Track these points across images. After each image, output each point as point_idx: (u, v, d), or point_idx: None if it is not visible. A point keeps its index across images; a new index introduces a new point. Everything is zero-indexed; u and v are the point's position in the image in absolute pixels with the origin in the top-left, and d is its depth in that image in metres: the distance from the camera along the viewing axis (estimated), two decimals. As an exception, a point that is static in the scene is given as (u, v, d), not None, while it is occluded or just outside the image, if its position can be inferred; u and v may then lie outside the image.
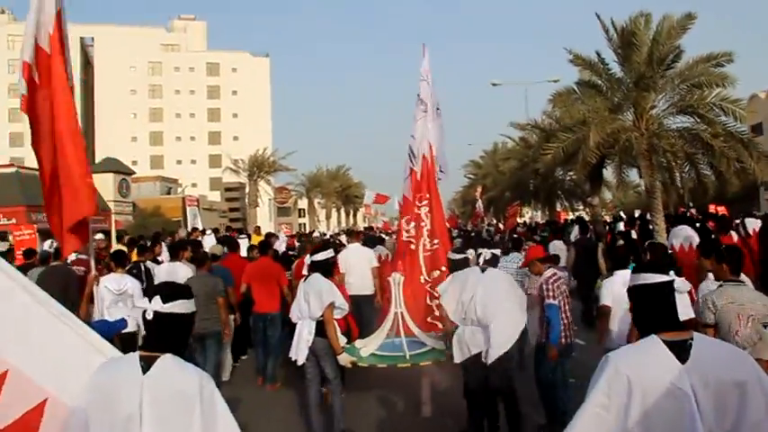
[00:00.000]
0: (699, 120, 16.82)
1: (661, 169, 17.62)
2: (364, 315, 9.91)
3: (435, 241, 8.60)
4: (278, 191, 65.74)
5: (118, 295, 8.32)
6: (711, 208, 22.24)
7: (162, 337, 2.94)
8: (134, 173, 48.15)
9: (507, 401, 6.45)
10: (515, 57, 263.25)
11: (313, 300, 6.64)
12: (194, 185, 76.28)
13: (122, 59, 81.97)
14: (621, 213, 28.38)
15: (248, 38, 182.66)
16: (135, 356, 2.90)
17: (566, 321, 6.83)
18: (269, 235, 14.60)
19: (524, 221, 35.89)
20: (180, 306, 2.99)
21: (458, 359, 6.39)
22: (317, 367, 6.83)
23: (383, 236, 22.03)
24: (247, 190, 48.14)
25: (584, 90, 18.77)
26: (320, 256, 6.94)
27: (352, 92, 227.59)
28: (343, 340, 6.86)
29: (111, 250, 12.72)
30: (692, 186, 18.69)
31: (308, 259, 7.53)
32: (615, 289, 6.34)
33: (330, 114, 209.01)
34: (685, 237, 10.60)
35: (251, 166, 46.22)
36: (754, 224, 11.94)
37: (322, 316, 6.62)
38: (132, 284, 8.51)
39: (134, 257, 11.01)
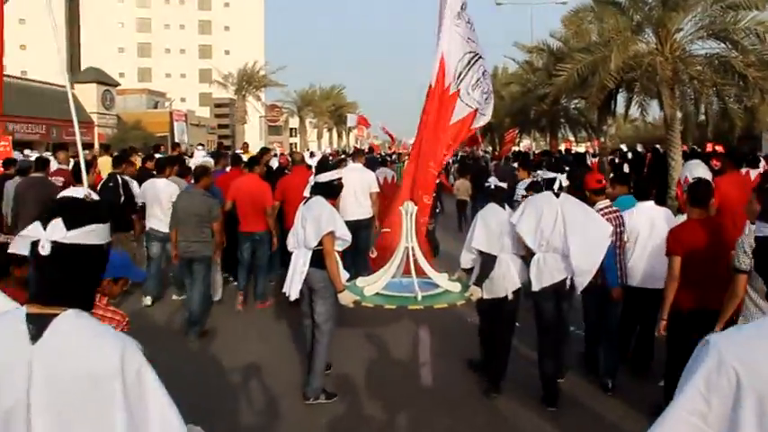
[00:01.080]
0: (731, 46, 15.14)
1: (684, 99, 16.07)
2: (360, 241, 9.32)
3: (430, 164, 7.65)
4: (269, 108, 63.86)
5: None
6: (709, 147, 20.92)
7: (62, 283, 1.86)
8: (119, 84, 46.39)
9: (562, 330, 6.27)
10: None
11: (310, 226, 5.90)
12: (183, 100, 74.68)
13: (110, -35, 78.82)
14: (623, 147, 26.86)
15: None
16: (19, 314, 1.85)
17: (616, 258, 6.21)
18: (264, 150, 13.56)
19: (518, 150, 34.20)
20: (90, 234, 1.90)
21: (537, 287, 5.87)
22: (311, 301, 6.07)
23: (387, 157, 20.60)
24: (236, 105, 46.18)
25: (603, 8, 16.94)
26: (324, 177, 6.23)
27: (351, 9, 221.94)
28: (345, 276, 6.05)
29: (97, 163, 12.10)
30: (716, 120, 17.08)
31: (311, 180, 6.71)
32: (635, 222, 6.29)
33: (326, 32, 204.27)
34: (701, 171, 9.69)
35: (239, 80, 44.10)
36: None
37: (320, 245, 5.83)
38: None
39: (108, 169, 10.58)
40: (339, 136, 73.32)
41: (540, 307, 6.02)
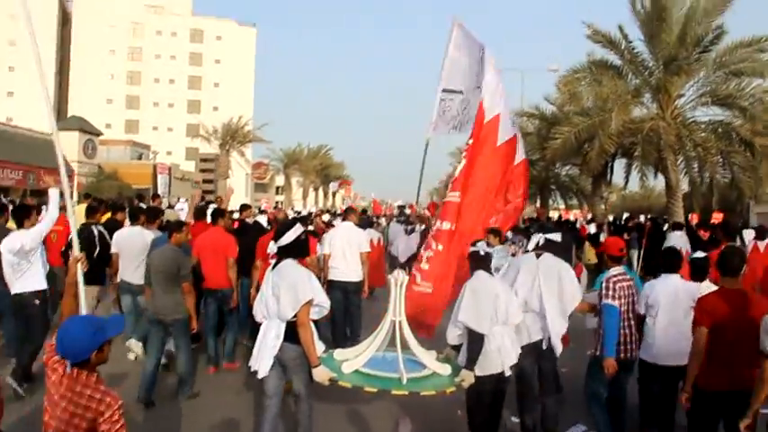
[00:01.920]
0: (737, 113, 14.49)
1: (689, 166, 15.36)
2: (350, 305, 9.42)
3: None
4: (255, 166, 63.29)
5: (13, 255, 7.36)
6: (716, 216, 20.20)
7: None
8: (101, 133, 45.45)
9: (554, 389, 6.26)
10: (511, 41, 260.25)
11: (285, 295, 5.24)
12: (169, 153, 74.10)
13: (102, 17, 79.07)
14: (610, 217, 26.14)
15: (235, 5, 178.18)
16: None
17: (627, 331, 6.04)
18: (244, 207, 13.22)
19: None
20: None
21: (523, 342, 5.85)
22: (281, 380, 5.51)
23: (374, 219, 19.80)
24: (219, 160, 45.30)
25: (600, 71, 16.36)
26: (288, 238, 5.49)
27: (340, 71, 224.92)
28: (320, 348, 5.44)
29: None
30: (721, 189, 16.35)
31: (271, 247, 6.13)
32: (658, 294, 6.04)
33: (315, 93, 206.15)
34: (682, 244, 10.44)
35: (224, 134, 43.33)
36: (749, 235, 11.51)
37: (295, 317, 5.21)
38: (28, 239, 7.41)
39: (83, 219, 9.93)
40: (325, 195, 72.77)
41: (520, 365, 5.81)
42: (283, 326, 5.31)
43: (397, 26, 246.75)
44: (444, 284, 7.00)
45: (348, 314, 9.55)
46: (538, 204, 35.60)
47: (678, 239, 10.88)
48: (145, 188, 43.09)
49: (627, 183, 19.57)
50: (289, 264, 5.42)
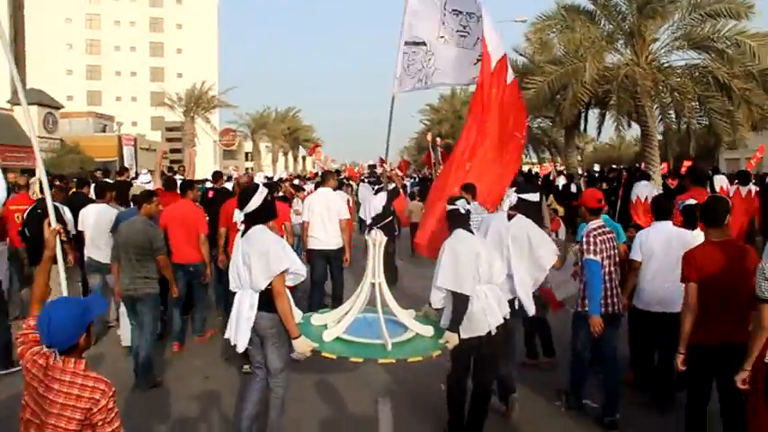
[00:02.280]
0: (714, 56, 14.03)
1: (665, 113, 14.94)
2: (334, 271, 9.35)
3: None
4: (223, 132, 62.05)
5: None
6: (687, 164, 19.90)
7: None
8: (62, 106, 43.98)
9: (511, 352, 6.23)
10: None
11: (256, 264, 5.01)
12: (134, 124, 72.71)
13: (57, -15, 76.57)
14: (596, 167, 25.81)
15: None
16: None
17: (609, 285, 5.91)
18: (217, 174, 13.21)
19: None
20: None
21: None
22: (263, 349, 5.28)
23: (345, 180, 19.35)
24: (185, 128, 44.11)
25: (572, 17, 15.76)
26: (253, 204, 5.17)
27: (304, 30, 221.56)
28: (298, 315, 5.23)
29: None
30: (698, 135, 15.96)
31: (236, 215, 5.56)
32: (652, 242, 6.11)
33: (280, 55, 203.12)
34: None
35: (188, 101, 42.12)
36: (721, 181, 11.47)
37: (270, 286, 4.99)
38: None
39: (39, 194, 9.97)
40: (295, 160, 71.71)
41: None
42: (256, 296, 5.10)
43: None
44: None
45: (333, 280, 9.43)
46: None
47: (644, 188, 10.83)
48: (111, 161, 41.91)
49: (600, 133, 19.17)
50: (258, 230, 5.14)
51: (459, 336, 5.19)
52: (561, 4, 16.54)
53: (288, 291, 5.12)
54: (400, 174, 21.96)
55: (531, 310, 5.96)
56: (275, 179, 20.70)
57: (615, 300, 5.93)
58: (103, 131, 53.79)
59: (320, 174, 11.82)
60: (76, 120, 52.48)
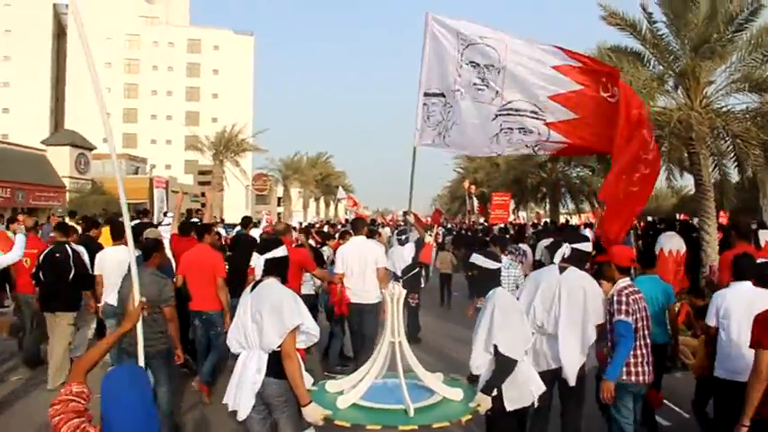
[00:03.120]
0: (777, 100, 12.87)
1: (720, 162, 13.76)
2: (366, 330, 8.73)
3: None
4: (255, 177, 61.78)
5: None
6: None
7: None
8: (94, 147, 43.97)
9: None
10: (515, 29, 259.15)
11: (268, 320, 4.62)
12: (168, 167, 73.10)
13: (98, 29, 77.89)
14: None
15: (232, 14, 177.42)
16: None
17: (642, 351, 5.50)
18: (246, 220, 13.32)
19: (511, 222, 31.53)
20: None
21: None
22: (267, 420, 4.84)
23: (379, 229, 18.58)
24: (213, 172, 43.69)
25: (619, 57, 14.66)
26: (279, 252, 5.02)
27: (342, 78, 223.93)
28: (308, 381, 4.77)
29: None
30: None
31: (254, 260, 5.78)
32: (730, 304, 5.61)
33: (314, 101, 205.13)
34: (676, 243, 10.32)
35: (217, 144, 41.74)
36: (765, 236, 10.44)
37: (280, 346, 4.61)
38: None
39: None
40: (327, 206, 71.14)
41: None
42: (265, 357, 4.67)
43: (395, 28, 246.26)
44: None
45: (362, 337, 8.85)
46: (547, 208, 34.07)
47: (671, 239, 10.33)
48: (142, 202, 41.64)
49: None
50: (271, 284, 4.82)
51: (502, 405, 4.76)
52: (604, 47, 15.49)
53: (298, 355, 4.68)
54: (424, 223, 21.09)
55: (572, 380, 5.41)
56: (305, 225, 19.99)
57: (645, 368, 5.51)
58: (135, 173, 53.96)
59: (351, 221, 11.05)
60: (109, 161, 52.44)
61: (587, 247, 5.86)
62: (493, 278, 5.06)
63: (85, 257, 9.14)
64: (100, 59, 79.54)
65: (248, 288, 5.04)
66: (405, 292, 5.21)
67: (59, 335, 8.82)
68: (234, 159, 42.36)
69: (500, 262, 5.22)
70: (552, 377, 5.43)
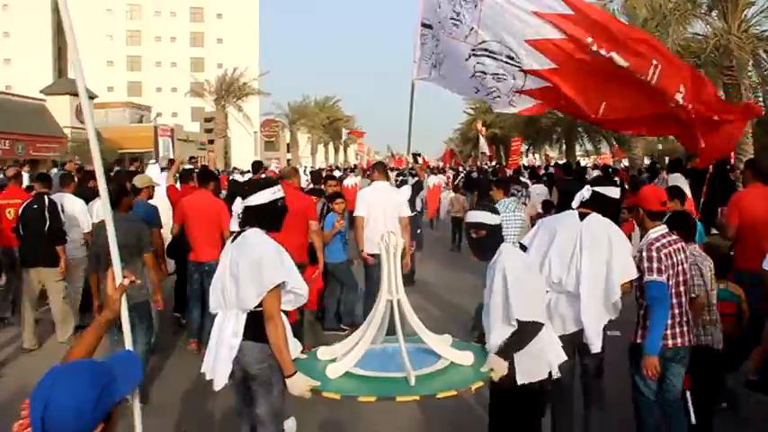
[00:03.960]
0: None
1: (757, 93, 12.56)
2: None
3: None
4: (264, 123, 60.63)
5: None
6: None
7: None
8: (96, 96, 42.84)
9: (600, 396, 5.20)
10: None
11: (246, 276, 3.97)
12: (174, 115, 71.81)
13: (98, -25, 76.50)
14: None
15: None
16: None
17: (677, 311, 4.67)
18: (257, 164, 12.48)
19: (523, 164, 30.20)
20: None
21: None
22: (248, 391, 4.21)
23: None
24: (215, 117, 42.54)
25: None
26: (259, 198, 4.25)
27: (353, 18, 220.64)
28: (296, 348, 4.18)
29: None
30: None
31: (236, 206, 4.47)
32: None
33: (322, 43, 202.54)
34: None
35: (218, 88, 40.42)
36: None
37: (260, 306, 3.98)
38: None
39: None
40: (336, 151, 69.94)
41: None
42: (243, 318, 4.09)
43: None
44: None
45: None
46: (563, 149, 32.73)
47: (676, 182, 9.64)
48: (146, 152, 40.94)
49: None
50: (253, 234, 4.17)
51: (512, 378, 4.02)
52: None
53: (284, 317, 4.09)
54: (424, 166, 20.27)
55: (596, 345, 4.72)
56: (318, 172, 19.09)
57: (684, 329, 4.73)
58: (140, 122, 52.98)
59: (374, 164, 10.26)
60: (113, 110, 51.73)
61: (614, 192, 5.04)
62: (494, 235, 4.29)
63: (72, 210, 8.79)
64: (101, 6, 77.98)
65: (230, 239, 4.40)
66: (403, 241, 4.55)
67: (51, 290, 8.47)
68: (237, 104, 41.10)
69: (497, 214, 4.43)
70: (570, 343, 4.67)
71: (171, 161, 20.20)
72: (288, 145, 75.21)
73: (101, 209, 7.50)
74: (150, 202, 8.59)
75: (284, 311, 4.18)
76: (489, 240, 4.28)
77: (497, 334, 4.11)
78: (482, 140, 30.23)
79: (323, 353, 4.51)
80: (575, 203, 4.98)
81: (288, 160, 68.05)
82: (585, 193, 4.92)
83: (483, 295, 4.35)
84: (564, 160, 33.62)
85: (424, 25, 6.47)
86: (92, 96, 42.80)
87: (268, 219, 4.29)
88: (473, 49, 5.85)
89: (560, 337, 4.46)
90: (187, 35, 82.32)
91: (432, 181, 20.94)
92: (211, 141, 59.76)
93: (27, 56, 73.39)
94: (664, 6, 11.49)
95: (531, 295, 4.07)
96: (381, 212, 8.08)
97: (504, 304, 4.06)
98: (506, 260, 4.16)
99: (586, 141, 30.22)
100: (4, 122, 34.12)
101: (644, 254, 4.68)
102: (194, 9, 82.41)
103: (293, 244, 7.78)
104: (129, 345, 3.78)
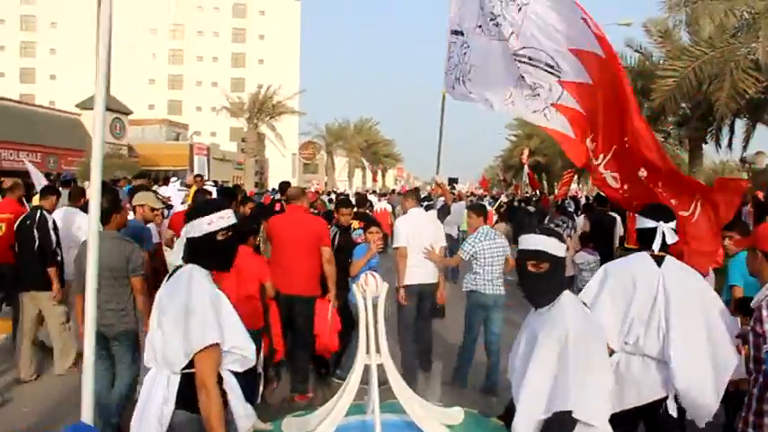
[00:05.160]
0: None
1: None
2: (424, 316, 7.50)
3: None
4: (304, 146, 59.92)
5: None
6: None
7: None
8: (131, 112, 42.46)
9: None
10: None
11: (171, 327, 3.20)
12: (213, 134, 72.00)
13: (143, -4, 77.39)
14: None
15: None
16: None
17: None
18: (285, 185, 11.22)
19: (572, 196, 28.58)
20: None
21: (613, 408, 3.25)
22: None
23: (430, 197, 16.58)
24: (246, 135, 41.72)
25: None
26: (194, 229, 3.39)
27: (388, 43, 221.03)
28: (248, 417, 3.33)
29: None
30: None
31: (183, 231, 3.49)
32: None
33: (362, 68, 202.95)
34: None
35: (251, 106, 39.54)
36: None
37: (190, 367, 3.19)
38: None
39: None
40: (374, 176, 68.83)
41: None
42: (176, 381, 3.23)
43: None
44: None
45: (422, 329, 7.55)
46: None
47: None
48: (181, 169, 40.36)
49: (746, 147, 14.90)
50: (190, 273, 3.29)
51: None
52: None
53: (233, 378, 3.30)
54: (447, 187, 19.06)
55: (701, 422, 3.82)
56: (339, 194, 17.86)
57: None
58: (177, 140, 52.60)
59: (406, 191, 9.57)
60: (149, 127, 51.41)
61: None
62: (558, 272, 3.28)
63: (75, 225, 8.26)
64: (145, 25, 78.87)
65: (165, 277, 3.55)
66: (386, 286, 3.50)
67: (48, 316, 7.69)
68: (270, 123, 40.19)
69: (564, 242, 3.36)
70: (638, 414, 3.94)
71: (198, 177, 19.22)
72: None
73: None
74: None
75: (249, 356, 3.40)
76: (552, 277, 3.23)
77: (526, 418, 3.09)
78: (525, 168, 28.68)
79: (288, 425, 3.59)
80: (656, 245, 3.96)
81: (325, 183, 67.29)
82: (667, 231, 3.95)
83: (511, 348, 3.49)
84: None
85: (454, 32, 6.11)
86: (127, 112, 42.56)
87: (205, 256, 3.38)
88: (513, 54, 5.40)
89: (627, 411, 3.82)
90: (229, 55, 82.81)
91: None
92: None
93: (72, 72, 74.22)
94: (752, 9, 10.02)
95: (597, 384, 3.05)
96: (418, 242, 7.36)
97: (551, 388, 3.05)
98: (570, 319, 3.08)
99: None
100: (36, 136, 33.83)
101: (763, 311, 3.51)
102: (236, 30, 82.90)
103: (304, 274, 6.57)
104: (87, 386, 3.32)
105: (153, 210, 7.49)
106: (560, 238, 3.29)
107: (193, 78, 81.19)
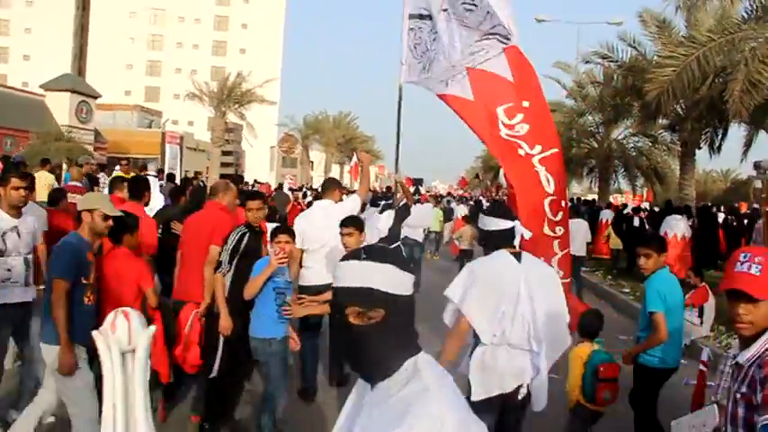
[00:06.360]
0: None
1: None
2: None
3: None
4: (283, 139, 58.26)
5: None
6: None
7: None
8: (99, 96, 40.49)
9: None
10: None
11: None
12: (191, 124, 69.81)
13: (124, -22, 75.55)
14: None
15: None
16: None
17: None
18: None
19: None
20: None
21: (479, 395, 4.04)
22: None
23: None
24: (213, 123, 39.98)
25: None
26: None
27: (377, 39, 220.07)
28: None
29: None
30: None
31: None
32: None
33: (349, 62, 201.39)
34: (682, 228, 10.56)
35: (219, 93, 37.74)
36: None
37: None
38: None
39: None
40: (354, 173, 67.33)
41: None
42: None
43: None
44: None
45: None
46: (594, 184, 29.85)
47: (678, 224, 10.21)
48: (152, 158, 38.60)
49: (746, 155, 13.60)
50: None
51: None
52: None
53: None
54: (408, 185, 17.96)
55: (541, 403, 4.20)
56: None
57: None
58: (149, 127, 50.74)
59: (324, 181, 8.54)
60: (121, 113, 49.54)
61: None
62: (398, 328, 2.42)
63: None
64: (124, 8, 76.73)
65: None
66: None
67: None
68: (239, 112, 38.43)
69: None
70: (501, 402, 4.16)
71: (125, 162, 17.63)
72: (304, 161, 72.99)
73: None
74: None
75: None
76: (392, 333, 2.27)
77: None
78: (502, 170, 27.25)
79: None
80: (516, 240, 4.32)
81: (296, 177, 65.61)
82: (523, 230, 4.32)
83: None
84: (593, 196, 30.80)
85: (415, 16, 5.87)
86: (95, 96, 40.67)
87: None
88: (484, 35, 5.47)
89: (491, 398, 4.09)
90: (210, 43, 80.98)
91: (460, 212, 19.42)
92: (227, 153, 57.14)
93: (46, 53, 72.12)
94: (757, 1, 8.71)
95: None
96: (318, 239, 6.61)
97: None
98: (434, 409, 2.54)
99: (621, 178, 27.03)
100: (-3, 117, 31.98)
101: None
102: (219, 18, 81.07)
103: (194, 278, 5.61)
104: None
105: (106, 218, 4.96)
106: (404, 264, 1.88)
107: (172, 65, 79.24)
